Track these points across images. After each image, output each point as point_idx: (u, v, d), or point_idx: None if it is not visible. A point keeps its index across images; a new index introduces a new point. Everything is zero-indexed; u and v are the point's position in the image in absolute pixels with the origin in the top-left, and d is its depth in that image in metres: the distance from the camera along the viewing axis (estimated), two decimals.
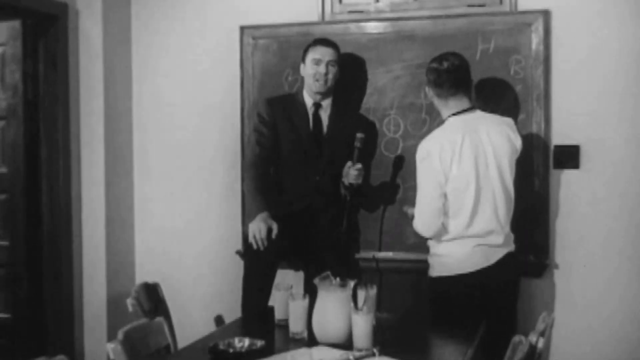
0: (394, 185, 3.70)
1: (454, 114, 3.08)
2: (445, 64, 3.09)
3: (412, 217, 3.18)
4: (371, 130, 3.67)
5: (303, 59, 3.51)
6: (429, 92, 3.15)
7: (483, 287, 3.01)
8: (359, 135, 3.36)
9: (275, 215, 3.26)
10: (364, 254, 3.73)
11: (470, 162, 2.98)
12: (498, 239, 3.03)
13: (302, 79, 3.57)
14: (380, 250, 3.73)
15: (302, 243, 3.44)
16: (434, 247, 3.11)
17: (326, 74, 3.43)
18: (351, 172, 3.34)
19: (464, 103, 3.09)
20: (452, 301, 3.01)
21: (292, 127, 3.47)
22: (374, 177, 3.67)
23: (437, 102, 3.13)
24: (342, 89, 3.56)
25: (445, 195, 3.00)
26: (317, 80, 3.44)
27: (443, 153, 2.97)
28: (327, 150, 3.49)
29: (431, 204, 3.01)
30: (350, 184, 3.37)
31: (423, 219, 3.05)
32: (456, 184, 2.98)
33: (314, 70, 3.44)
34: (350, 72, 3.66)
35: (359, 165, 3.35)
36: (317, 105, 3.51)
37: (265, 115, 3.49)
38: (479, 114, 3.12)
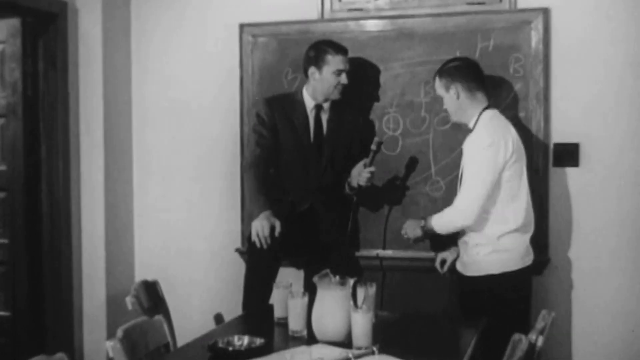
0: (404, 186, 3.69)
1: (486, 108, 3.16)
2: (471, 60, 3.25)
3: (416, 238, 3.26)
4: (370, 129, 3.67)
5: (315, 63, 3.43)
6: (456, 88, 3.14)
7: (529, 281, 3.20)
8: (376, 139, 3.39)
9: (278, 214, 3.26)
10: (367, 253, 3.73)
11: (522, 153, 3.13)
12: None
13: (302, 77, 3.56)
14: (384, 248, 3.72)
15: (304, 242, 3.44)
16: (496, 242, 3.06)
17: (346, 83, 3.43)
18: (363, 175, 3.34)
19: (485, 98, 3.20)
20: (512, 298, 3.07)
21: (292, 128, 3.47)
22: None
23: (464, 97, 3.14)
24: (344, 89, 3.52)
25: (498, 183, 3.05)
26: (338, 90, 3.43)
27: (508, 143, 3.05)
28: (328, 151, 3.48)
29: (485, 190, 3.02)
30: (359, 186, 3.37)
31: (472, 205, 3.03)
32: (512, 171, 3.06)
33: (336, 81, 3.41)
34: (354, 75, 3.64)
35: (372, 169, 3.35)
36: (319, 107, 3.50)
37: (264, 115, 3.48)
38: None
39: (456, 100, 3.16)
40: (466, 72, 3.17)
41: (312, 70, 3.44)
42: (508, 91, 3.56)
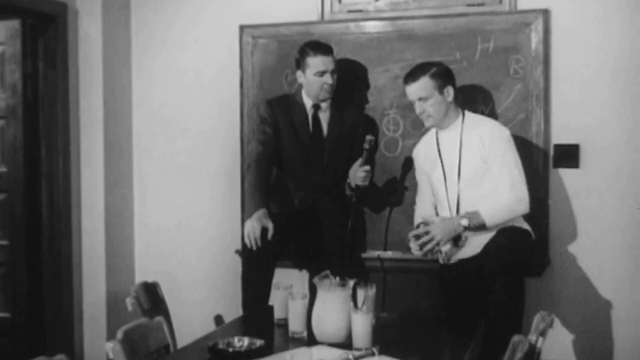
0: (402, 187, 3.69)
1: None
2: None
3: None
4: (372, 127, 3.66)
5: (300, 67, 3.46)
6: (449, 90, 3.22)
7: None
8: (368, 137, 3.34)
9: (278, 213, 3.25)
10: (369, 254, 3.73)
11: None
12: None
13: None
14: (385, 249, 3.72)
15: (306, 242, 3.44)
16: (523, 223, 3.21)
17: (332, 83, 3.43)
18: (358, 174, 3.32)
19: None
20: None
21: (292, 128, 3.48)
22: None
23: (452, 100, 3.24)
24: (341, 88, 3.54)
25: None
26: (325, 90, 3.43)
27: None
28: (328, 150, 3.49)
29: (524, 177, 3.16)
30: (357, 186, 3.35)
31: (525, 190, 3.14)
32: None
33: (319, 82, 3.41)
34: (350, 75, 3.65)
35: (367, 167, 3.33)
36: (317, 107, 3.50)
37: (266, 115, 3.50)
38: None
39: (447, 103, 3.22)
40: (452, 76, 3.27)
41: (298, 73, 3.49)
42: (508, 92, 3.57)
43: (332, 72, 3.42)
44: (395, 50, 3.72)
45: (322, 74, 3.41)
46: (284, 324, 2.71)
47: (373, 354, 2.32)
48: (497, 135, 3.17)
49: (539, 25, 3.52)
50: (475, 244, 3.14)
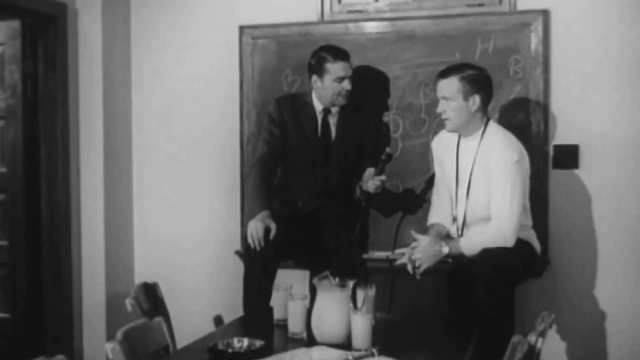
0: (421, 200, 3.67)
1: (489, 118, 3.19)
2: (487, 71, 3.19)
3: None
4: (381, 129, 3.66)
5: (316, 72, 3.41)
6: (476, 99, 3.07)
7: None
8: (388, 150, 3.31)
9: (282, 214, 3.24)
10: (378, 254, 3.70)
11: None
12: None
13: (301, 79, 3.56)
14: (394, 251, 3.71)
15: (309, 244, 3.44)
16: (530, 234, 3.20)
17: (350, 89, 3.40)
18: (372, 182, 3.27)
19: None
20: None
21: (300, 130, 3.46)
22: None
23: (479, 109, 3.10)
24: (353, 94, 3.47)
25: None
26: (342, 96, 3.41)
27: (525, 151, 3.12)
28: (336, 155, 3.47)
29: (521, 207, 3.03)
30: (368, 191, 3.33)
31: (512, 224, 2.99)
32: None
33: (339, 88, 3.38)
34: (363, 81, 3.62)
35: (383, 177, 3.29)
36: (327, 111, 3.49)
37: (274, 115, 3.48)
38: None
39: (471, 111, 3.09)
40: (488, 84, 3.13)
41: (314, 78, 3.44)
42: (508, 93, 3.57)
43: (350, 78, 3.40)
44: (395, 50, 3.72)
45: (341, 80, 3.38)
46: (283, 324, 2.71)
47: (372, 355, 2.33)
48: (501, 160, 3.01)
49: (538, 25, 3.52)
50: None
